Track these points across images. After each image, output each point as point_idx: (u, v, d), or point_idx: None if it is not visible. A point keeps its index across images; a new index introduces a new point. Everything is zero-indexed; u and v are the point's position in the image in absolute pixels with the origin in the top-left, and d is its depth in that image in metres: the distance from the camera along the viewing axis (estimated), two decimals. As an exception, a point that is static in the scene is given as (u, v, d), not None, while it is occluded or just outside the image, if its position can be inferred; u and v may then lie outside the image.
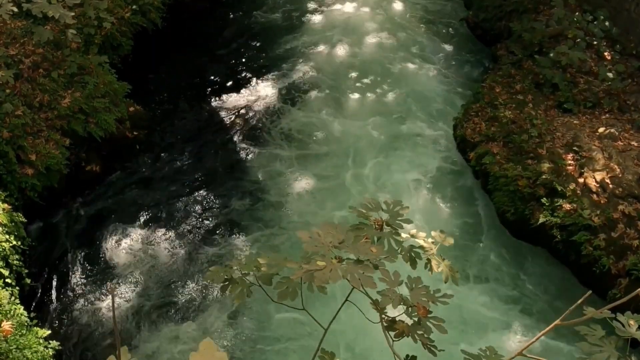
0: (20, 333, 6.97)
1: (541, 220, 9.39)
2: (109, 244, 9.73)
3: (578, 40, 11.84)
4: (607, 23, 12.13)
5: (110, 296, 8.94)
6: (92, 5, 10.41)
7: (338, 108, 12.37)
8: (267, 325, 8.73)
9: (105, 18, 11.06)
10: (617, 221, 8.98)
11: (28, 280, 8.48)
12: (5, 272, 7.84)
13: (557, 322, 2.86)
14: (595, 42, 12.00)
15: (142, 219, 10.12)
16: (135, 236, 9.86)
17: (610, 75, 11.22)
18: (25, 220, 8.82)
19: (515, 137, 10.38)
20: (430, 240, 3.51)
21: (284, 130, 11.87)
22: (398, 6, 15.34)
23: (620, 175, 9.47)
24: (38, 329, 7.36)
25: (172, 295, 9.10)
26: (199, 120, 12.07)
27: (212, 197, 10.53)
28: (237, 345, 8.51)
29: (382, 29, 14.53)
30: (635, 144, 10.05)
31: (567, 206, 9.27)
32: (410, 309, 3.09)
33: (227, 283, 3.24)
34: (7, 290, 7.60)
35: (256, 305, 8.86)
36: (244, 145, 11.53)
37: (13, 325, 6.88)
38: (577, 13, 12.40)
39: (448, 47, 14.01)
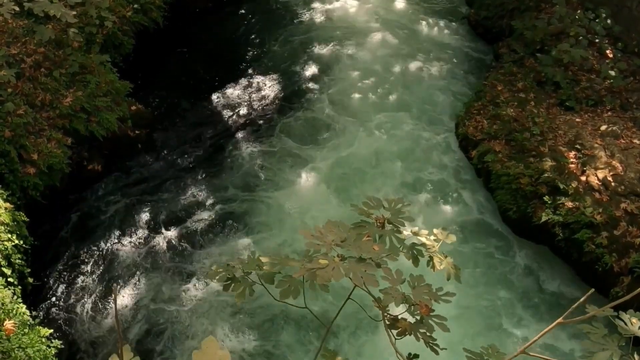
0: (22, 332, 6.97)
1: (543, 218, 9.38)
2: (112, 242, 9.74)
3: (580, 38, 11.83)
4: (608, 21, 12.13)
5: (112, 295, 8.95)
6: (94, 4, 10.42)
7: (339, 107, 12.36)
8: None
9: (106, 17, 11.07)
10: (620, 219, 8.96)
11: (30, 279, 8.48)
12: (8, 271, 7.84)
13: (559, 320, 2.85)
14: (597, 40, 12.00)
15: (144, 218, 10.13)
16: (137, 234, 9.87)
17: (612, 73, 11.21)
18: (28, 219, 8.82)
19: (517, 135, 10.38)
20: (432, 238, 3.51)
21: (286, 129, 11.86)
22: (399, 5, 15.32)
23: (622, 173, 9.46)
24: (40, 327, 7.36)
25: (174, 293, 9.10)
26: (200, 118, 12.07)
27: (214, 195, 10.53)
28: (240, 343, 8.52)
29: (384, 27, 14.52)
30: (638, 142, 10.03)
31: (570, 204, 9.26)
32: (412, 307, 3.09)
33: (229, 282, 3.24)
34: (9, 289, 7.60)
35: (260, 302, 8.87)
36: (245, 144, 11.53)
37: (15, 324, 6.89)
38: (578, 11, 12.40)
39: (449, 45, 13.99)
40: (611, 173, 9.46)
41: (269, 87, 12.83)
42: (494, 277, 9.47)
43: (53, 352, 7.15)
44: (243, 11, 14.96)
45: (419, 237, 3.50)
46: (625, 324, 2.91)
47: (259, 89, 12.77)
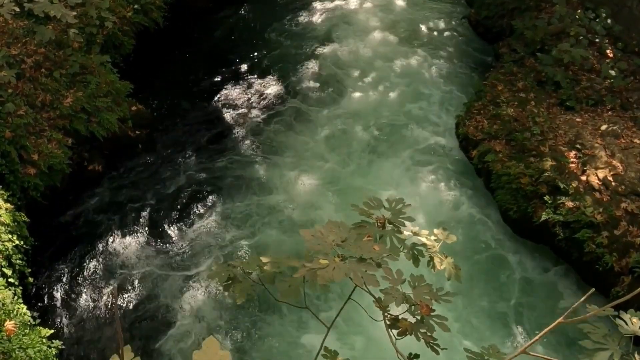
0: (23, 332, 6.98)
1: (544, 218, 9.37)
2: (112, 242, 9.74)
3: (580, 37, 11.83)
4: (609, 20, 12.12)
5: (113, 294, 8.95)
6: (94, 4, 10.42)
7: (340, 106, 12.36)
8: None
9: (107, 17, 11.07)
10: (620, 219, 8.96)
11: (31, 280, 8.50)
12: (9, 272, 7.85)
13: (560, 320, 2.85)
14: (597, 40, 11.99)
15: (144, 218, 10.13)
16: (137, 235, 9.87)
17: (612, 72, 11.20)
18: (28, 220, 8.83)
19: (518, 135, 10.37)
20: (432, 237, 3.51)
21: (287, 128, 11.87)
22: (400, 4, 15.32)
23: (622, 173, 9.45)
24: (41, 328, 7.37)
25: (175, 292, 9.10)
26: (201, 118, 12.07)
27: (214, 195, 10.53)
28: (240, 341, 8.53)
29: (384, 27, 14.52)
30: (638, 142, 10.03)
31: (570, 204, 9.25)
32: (413, 307, 3.09)
33: (230, 282, 3.25)
34: (10, 289, 7.61)
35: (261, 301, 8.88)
36: (246, 143, 11.53)
37: (16, 324, 6.90)
38: (579, 10, 12.39)
39: (450, 45, 13.99)
40: (611, 173, 9.45)
41: (269, 85, 12.83)
42: (493, 277, 9.47)
43: (54, 353, 7.16)
44: (243, 11, 14.96)
45: (419, 237, 3.50)
46: (626, 323, 2.91)
47: (259, 88, 12.77)
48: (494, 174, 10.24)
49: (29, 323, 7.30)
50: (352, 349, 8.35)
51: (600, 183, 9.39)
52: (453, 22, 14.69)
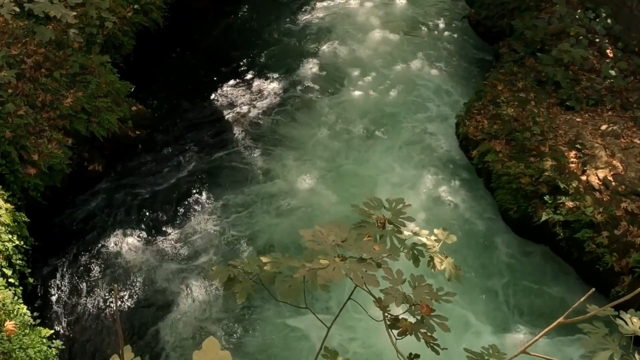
0: (23, 332, 6.98)
1: (544, 217, 9.37)
2: (112, 242, 9.74)
3: (580, 37, 11.82)
4: (609, 20, 12.11)
5: (113, 294, 8.96)
6: (94, 4, 10.41)
7: (340, 106, 12.36)
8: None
9: (107, 17, 11.05)
10: (620, 218, 8.96)
11: (31, 280, 8.49)
12: (9, 272, 7.85)
13: (560, 319, 2.85)
14: (597, 40, 11.98)
15: (144, 217, 10.14)
16: (138, 235, 9.87)
17: (612, 72, 11.19)
18: (28, 220, 8.83)
19: (518, 135, 10.37)
20: (432, 238, 3.51)
21: (287, 128, 11.87)
22: (400, 3, 15.32)
23: (623, 173, 9.45)
24: (41, 328, 7.37)
25: (175, 292, 9.11)
26: (201, 118, 12.07)
27: (214, 196, 10.54)
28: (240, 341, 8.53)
29: (385, 26, 14.51)
30: (638, 141, 10.03)
31: (570, 203, 9.25)
32: (413, 307, 3.09)
33: (230, 282, 3.25)
34: (10, 289, 7.61)
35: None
36: (246, 144, 11.53)
37: (16, 324, 6.90)
38: (579, 10, 12.38)
39: (450, 45, 13.98)
40: (612, 172, 9.45)
41: (269, 85, 12.83)
42: (493, 277, 9.47)
43: (54, 353, 7.16)
44: (243, 10, 14.96)
45: (419, 237, 3.50)
46: (626, 323, 2.91)
47: (259, 88, 12.78)
48: (494, 173, 10.24)
49: (29, 323, 7.29)
50: (353, 333, 8.38)
51: (600, 183, 9.39)
52: (453, 22, 14.68)
